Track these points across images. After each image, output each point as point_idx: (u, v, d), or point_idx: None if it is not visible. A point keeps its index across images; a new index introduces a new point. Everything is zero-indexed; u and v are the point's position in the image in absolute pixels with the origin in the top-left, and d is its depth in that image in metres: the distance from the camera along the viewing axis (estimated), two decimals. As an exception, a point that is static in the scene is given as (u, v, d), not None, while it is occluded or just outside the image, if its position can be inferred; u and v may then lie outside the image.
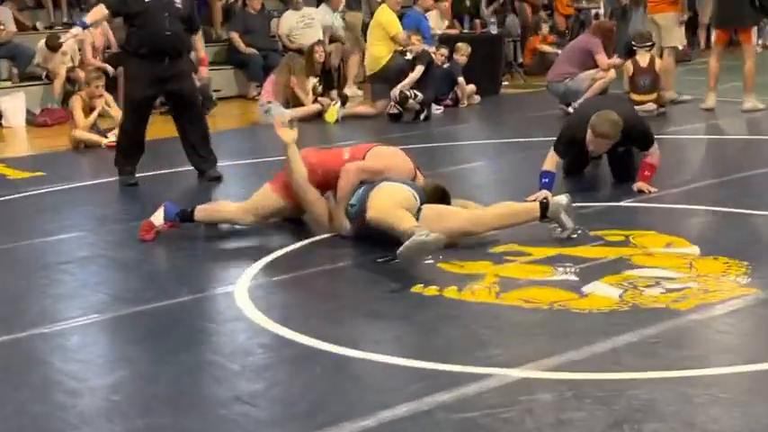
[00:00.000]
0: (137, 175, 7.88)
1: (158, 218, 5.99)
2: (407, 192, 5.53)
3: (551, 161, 6.68)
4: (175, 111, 8.01)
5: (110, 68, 12.51)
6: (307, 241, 5.81)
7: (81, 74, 11.74)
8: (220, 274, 5.41)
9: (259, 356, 4.13)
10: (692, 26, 16.58)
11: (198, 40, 8.15)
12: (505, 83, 14.30)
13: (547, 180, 6.57)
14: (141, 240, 5.94)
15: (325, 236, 5.86)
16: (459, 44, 12.45)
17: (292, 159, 5.83)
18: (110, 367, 4.06)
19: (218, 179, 7.85)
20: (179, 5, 7.65)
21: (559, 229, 5.65)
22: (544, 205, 5.64)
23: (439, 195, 5.79)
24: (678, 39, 11.71)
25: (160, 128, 9.59)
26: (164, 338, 4.38)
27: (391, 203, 5.37)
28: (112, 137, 9.74)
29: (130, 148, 7.85)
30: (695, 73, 13.61)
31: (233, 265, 5.48)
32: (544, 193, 6.36)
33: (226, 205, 6.17)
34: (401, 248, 4.93)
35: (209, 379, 3.89)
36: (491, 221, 5.63)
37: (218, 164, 8.05)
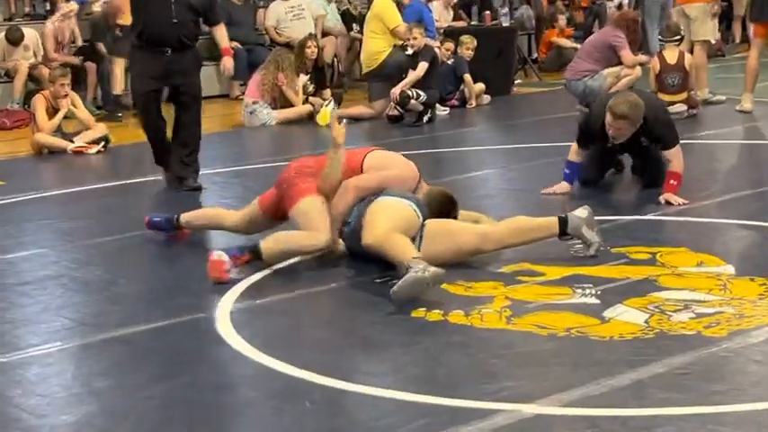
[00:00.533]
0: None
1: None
2: (408, 209, 5.50)
3: (574, 151, 7.15)
4: (175, 107, 8.19)
5: (76, 60, 12.54)
6: (295, 260, 5.80)
7: (45, 71, 11.76)
8: (199, 297, 5.39)
9: (242, 390, 4.13)
10: (725, 18, 16.59)
11: (217, 30, 8.28)
12: (518, 81, 14.33)
13: (569, 171, 7.14)
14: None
15: (316, 254, 5.86)
16: (464, 37, 12.48)
17: (338, 162, 5.81)
18: (74, 402, 4.05)
19: (198, 189, 7.87)
20: None
21: (583, 246, 5.65)
22: (563, 221, 5.63)
23: (446, 203, 5.79)
24: (710, 32, 11.71)
25: (133, 132, 9.60)
26: (134, 370, 4.37)
27: (389, 228, 5.33)
28: (79, 141, 9.78)
29: (155, 144, 8.09)
30: (729, 70, 13.63)
31: (213, 286, 5.47)
32: (564, 185, 7.06)
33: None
34: (395, 288, 4.90)
35: (185, 416, 3.88)
36: (504, 238, 5.62)
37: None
